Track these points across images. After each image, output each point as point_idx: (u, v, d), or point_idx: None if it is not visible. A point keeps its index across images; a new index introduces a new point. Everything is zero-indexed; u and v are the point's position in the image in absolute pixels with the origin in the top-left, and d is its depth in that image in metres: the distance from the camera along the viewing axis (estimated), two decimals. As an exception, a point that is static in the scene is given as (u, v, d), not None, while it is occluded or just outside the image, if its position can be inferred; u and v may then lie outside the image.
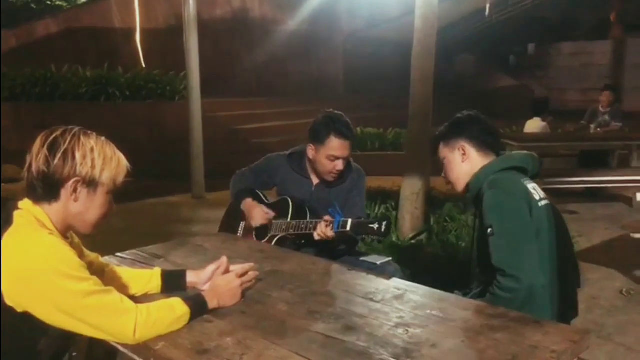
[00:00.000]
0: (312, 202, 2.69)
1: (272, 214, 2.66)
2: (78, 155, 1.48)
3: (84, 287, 1.41)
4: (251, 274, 1.81)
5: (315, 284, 1.92)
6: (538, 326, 1.55)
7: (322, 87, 12.72)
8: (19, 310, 1.38)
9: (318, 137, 2.59)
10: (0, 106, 7.72)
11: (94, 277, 1.45)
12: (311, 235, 2.46)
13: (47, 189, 1.48)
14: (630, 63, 17.40)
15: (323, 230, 2.35)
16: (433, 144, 2.19)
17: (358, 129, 9.25)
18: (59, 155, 1.46)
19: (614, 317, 3.57)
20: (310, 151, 2.64)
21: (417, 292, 1.83)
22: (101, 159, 1.52)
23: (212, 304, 1.65)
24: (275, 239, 2.61)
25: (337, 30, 13.05)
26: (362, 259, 2.58)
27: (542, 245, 1.85)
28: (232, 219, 2.84)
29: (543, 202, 1.94)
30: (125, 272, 1.80)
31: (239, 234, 2.77)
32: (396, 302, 1.75)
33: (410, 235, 4.66)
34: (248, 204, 2.72)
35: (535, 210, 1.88)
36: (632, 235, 3.82)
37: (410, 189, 4.86)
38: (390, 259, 2.55)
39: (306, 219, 2.57)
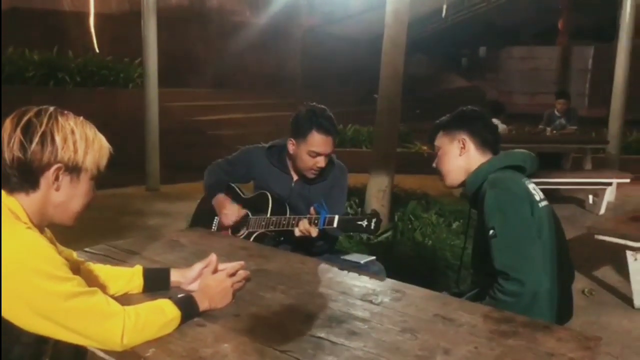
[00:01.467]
0: (292, 198, 2.57)
1: (244, 212, 2.53)
2: (58, 138, 1.32)
3: (66, 288, 1.25)
4: (241, 273, 1.69)
5: (308, 285, 1.81)
6: (549, 331, 1.50)
7: (279, 81, 12.56)
8: None
9: (299, 132, 2.47)
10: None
11: (78, 277, 1.30)
12: (291, 231, 2.35)
13: (24, 178, 1.31)
14: (575, 69, 18.01)
15: (306, 227, 2.24)
16: (432, 131, 2.11)
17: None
18: (35, 139, 1.30)
19: (577, 318, 3.60)
20: (291, 146, 2.52)
21: (415, 294, 1.75)
22: (83, 141, 1.36)
23: (202, 305, 1.52)
24: (254, 235, 2.48)
25: (296, 25, 12.92)
26: (344, 257, 2.49)
27: (543, 247, 1.80)
28: (206, 213, 2.69)
29: (543, 203, 1.89)
30: (103, 270, 1.64)
31: (213, 229, 2.63)
32: (397, 304, 1.66)
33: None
34: (220, 200, 2.58)
35: (536, 210, 1.83)
36: (596, 236, 3.86)
37: (377, 186, 4.81)
38: (374, 258, 2.46)
39: (285, 215, 2.46)
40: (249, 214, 2.56)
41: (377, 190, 4.79)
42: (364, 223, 2.13)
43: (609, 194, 6.56)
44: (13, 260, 1.20)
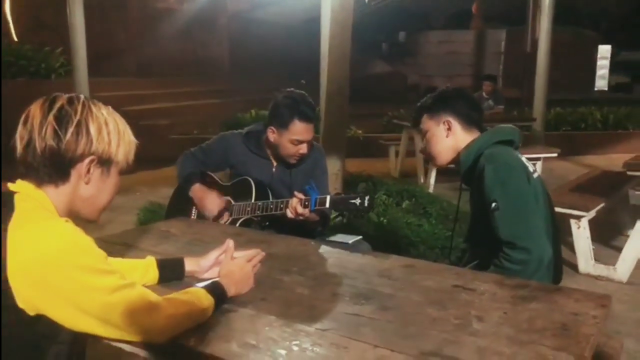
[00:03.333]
0: (273, 184, 2.55)
1: (225, 200, 2.49)
2: (92, 128, 1.25)
3: (110, 282, 1.19)
4: (258, 258, 1.66)
5: (319, 266, 1.81)
6: (563, 294, 1.58)
7: (206, 68, 12.28)
8: (32, 313, 1.14)
9: (280, 120, 2.43)
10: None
11: (119, 270, 1.24)
12: (277, 216, 2.34)
13: (55, 169, 1.23)
14: (489, 51, 18.82)
15: (299, 209, 2.23)
16: (416, 114, 2.15)
17: (252, 111, 9.07)
18: (71, 128, 1.22)
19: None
20: (272, 134, 2.48)
21: (427, 267, 1.80)
22: (116, 133, 1.29)
23: (230, 292, 1.49)
24: (239, 221, 2.44)
25: (220, 10, 12.65)
26: (330, 239, 2.49)
27: (541, 215, 1.90)
28: (182, 203, 2.61)
29: (536, 174, 1.98)
30: (119, 263, 1.57)
31: (192, 219, 2.56)
32: (414, 278, 1.69)
33: (333, 215, 4.64)
34: (198, 191, 2.51)
35: (532, 181, 1.92)
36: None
37: (330, 169, 4.83)
38: (361, 237, 2.48)
39: (268, 200, 2.43)
40: (232, 200, 2.52)
41: (331, 173, 4.81)
42: (357, 201, 2.14)
43: (539, 168, 6.94)
44: (55, 255, 1.12)
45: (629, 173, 3.88)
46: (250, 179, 2.49)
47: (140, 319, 1.23)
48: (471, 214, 2.08)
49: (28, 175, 1.23)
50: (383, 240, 4.03)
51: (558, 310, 1.47)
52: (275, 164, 2.59)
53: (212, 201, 2.47)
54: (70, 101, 1.25)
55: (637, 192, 4.49)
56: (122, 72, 10.43)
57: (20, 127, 1.24)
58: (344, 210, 2.24)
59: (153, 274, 1.59)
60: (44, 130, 1.21)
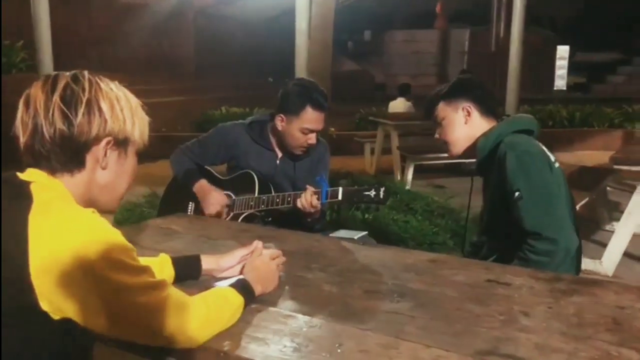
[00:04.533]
0: (276, 176, 2.43)
1: (229, 200, 2.37)
2: (105, 107, 1.12)
3: (141, 281, 1.06)
4: (281, 256, 1.55)
5: (340, 261, 1.71)
6: (601, 286, 1.53)
7: (172, 65, 11.99)
8: (57, 316, 1.00)
9: (291, 108, 2.32)
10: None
11: (149, 266, 1.11)
12: (279, 211, 2.23)
13: (68, 155, 1.10)
14: (453, 51, 19.01)
15: (308, 200, 2.12)
16: (430, 102, 2.07)
17: (223, 108, 8.89)
18: (81, 109, 1.09)
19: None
20: (280, 122, 2.37)
21: (454, 262, 1.72)
22: (129, 109, 1.17)
23: (257, 290, 1.37)
24: (241, 216, 2.32)
25: (187, 6, 12.37)
26: (333, 235, 2.40)
27: (565, 205, 1.84)
28: (178, 198, 2.47)
29: (557, 164, 1.93)
30: None
31: (190, 215, 2.43)
32: (443, 273, 1.61)
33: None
34: (203, 187, 2.38)
35: (554, 170, 1.86)
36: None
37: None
38: (366, 232, 2.40)
39: (271, 194, 2.32)
40: (233, 195, 2.39)
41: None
42: (372, 193, 2.06)
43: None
44: (83, 250, 0.99)
45: (616, 167, 3.90)
46: (253, 172, 2.38)
47: (173, 321, 1.10)
48: (488, 205, 2.01)
49: (38, 164, 1.10)
50: (372, 237, 3.96)
51: (602, 304, 1.41)
52: (280, 155, 2.47)
53: (216, 199, 2.35)
54: (75, 78, 1.12)
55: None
56: (86, 67, 9.96)
57: (21, 114, 1.10)
58: (358, 203, 2.16)
59: (168, 272, 1.46)
60: (50, 113, 1.07)
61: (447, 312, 1.35)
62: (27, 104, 1.09)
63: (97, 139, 1.11)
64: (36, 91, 1.09)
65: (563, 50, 20.90)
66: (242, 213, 2.33)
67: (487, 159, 1.95)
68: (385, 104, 9.17)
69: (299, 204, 2.16)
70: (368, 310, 1.36)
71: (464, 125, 2.01)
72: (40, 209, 1.01)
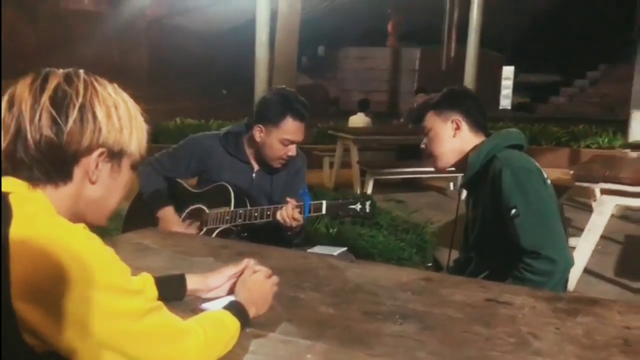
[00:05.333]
0: (252, 189, 2.32)
1: (179, 221, 2.26)
2: (100, 113, 0.99)
3: (137, 306, 0.94)
4: (275, 278, 1.44)
5: (332, 280, 1.61)
6: (604, 305, 1.49)
7: (123, 75, 11.59)
8: (41, 349, 0.86)
9: (270, 118, 2.22)
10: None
11: (143, 288, 0.98)
12: (256, 225, 2.13)
13: (54, 166, 0.96)
14: (406, 69, 19.32)
15: (290, 213, 2.03)
16: (419, 110, 2.02)
17: (177, 119, 8.66)
18: (73, 114, 0.96)
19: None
20: (258, 133, 2.26)
21: (448, 281, 1.65)
22: (127, 117, 1.04)
23: (251, 312, 1.26)
24: (216, 232, 2.19)
25: (139, 15, 12.08)
26: (311, 250, 2.30)
27: (561, 223, 1.81)
28: (146, 213, 2.31)
29: (549, 180, 1.90)
30: None
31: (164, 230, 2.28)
32: (441, 292, 1.54)
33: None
34: (167, 217, 2.26)
35: (548, 187, 1.83)
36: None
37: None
38: (346, 249, 2.31)
39: (247, 207, 2.21)
40: (206, 208, 2.26)
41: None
42: (358, 207, 1.98)
43: (468, 182, 7.08)
44: (73, 271, 0.86)
45: (577, 184, 3.96)
46: (228, 185, 2.25)
47: (170, 350, 0.98)
48: (478, 222, 1.95)
49: (18, 173, 0.95)
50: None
51: (609, 324, 1.36)
52: (255, 168, 2.36)
53: (167, 216, 2.25)
54: (68, 78, 0.98)
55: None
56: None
57: (3, 114, 0.96)
58: (344, 217, 2.07)
59: (152, 292, 1.32)
60: (37, 117, 0.94)
61: (455, 335, 1.28)
62: (10, 104, 0.95)
63: (89, 150, 0.98)
64: (22, 90, 0.96)
65: (508, 71, 21.58)
66: (217, 228, 2.20)
67: (478, 174, 1.91)
68: (339, 118, 9.18)
69: (279, 218, 2.06)
70: (372, 333, 1.27)
71: (452, 139, 1.96)
72: (22, 223, 0.88)
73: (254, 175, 2.35)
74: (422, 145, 2.03)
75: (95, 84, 1.01)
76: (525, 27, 21.69)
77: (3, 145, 0.94)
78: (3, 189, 0.92)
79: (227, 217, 2.18)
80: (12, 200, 0.90)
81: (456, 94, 1.99)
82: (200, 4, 12.12)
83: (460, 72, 13.52)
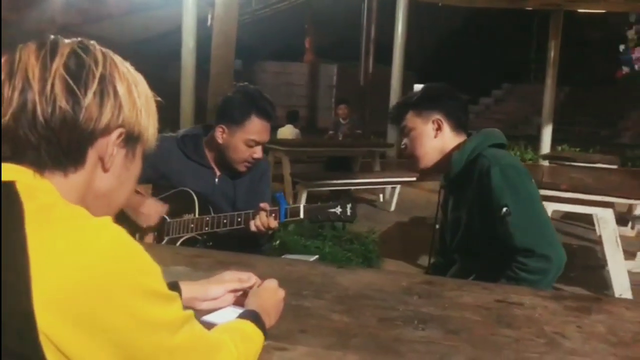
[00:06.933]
0: (214, 196, 2.15)
1: (165, 207, 2.04)
2: (121, 88, 0.82)
3: (175, 314, 0.78)
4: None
5: (331, 287, 1.49)
6: (608, 303, 1.48)
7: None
8: None
9: (234, 117, 2.06)
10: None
11: (176, 293, 0.82)
12: (220, 234, 1.97)
13: (68, 147, 0.78)
14: (323, 85, 19.52)
15: (265, 220, 1.89)
16: (399, 109, 1.95)
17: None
18: (93, 86, 0.78)
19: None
20: (221, 134, 2.08)
21: (449, 283, 1.58)
22: (145, 98, 0.87)
23: (266, 324, 1.12)
24: (180, 241, 2.00)
25: (48, 22, 11.37)
26: (285, 256, 2.16)
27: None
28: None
29: (532, 179, 1.88)
30: None
31: None
32: (450, 295, 1.46)
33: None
34: (133, 198, 2.01)
35: (534, 185, 1.81)
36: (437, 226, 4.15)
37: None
38: (317, 256, 2.19)
39: (211, 214, 2.04)
40: (166, 217, 2.07)
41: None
42: (338, 210, 1.87)
43: (396, 193, 7.16)
44: (107, 274, 0.69)
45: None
46: (191, 191, 2.07)
47: None
48: (463, 222, 1.89)
49: (20, 158, 0.76)
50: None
51: (625, 321, 1.34)
52: (218, 173, 2.19)
53: (151, 208, 2.01)
54: (83, 46, 0.81)
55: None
56: None
57: (2, 84, 0.78)
58: (324, 221, 1.95)
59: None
60: (48, 87, 0.76)
61: (484, 338, 1.20)
62: (10, 73, 0.77)
63: (107, 130, 0.81)
64: (27, 56, 0.77)
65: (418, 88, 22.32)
66: (180, 237, 2.02)
67: (461, 174, 1.86)
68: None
69: (252, 226, 1.91)
70: (397, 340, 1.17)
71: (434, 139, 1.90)
72: (37, 219, 0.70)
73: (216, 180, 2.18)
74: (402, 146, 1.96)
75: (113, 55, 0.85)
76: (433, 47, 22.57)
77: (3, 122, 0.76)
78: (3, 178, 0.74)
79: (192, 225, 2.00)
80: (22, 190, 0.72)
81: (438, 93, 1.94)
82: (115, 12, 11.63)
83: (377, 88, 13.80)
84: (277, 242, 4.21)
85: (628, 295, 3.81)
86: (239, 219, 1.94)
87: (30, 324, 0.64)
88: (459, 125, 1.92)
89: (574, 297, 1.51)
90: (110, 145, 0.82)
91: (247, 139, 2.05)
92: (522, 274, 1.67)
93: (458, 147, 1.88)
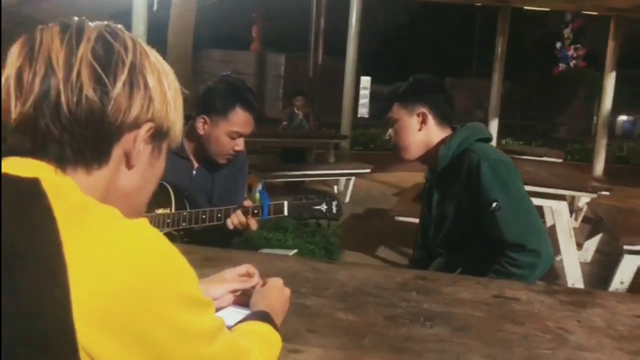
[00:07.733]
0: (191, 189, 2.06)
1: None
2: (151, 79, 0.74)
3: (211, 322, 0.72)
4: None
5: (326, 283, 1.45)
6: (600, 297, 1.50)
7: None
8: None
9: (217, 108, 1.97)
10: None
11: (211, 299, 0.76)
12: (195, 231, 1.90)
13: (93, 141, 0.70)
14: (270, 75, 19.36)
15: (242, 221, 1.83)
16: (385, 101, 1.92)
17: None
18: (123, 75, 0.71)
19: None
20: (202, 125, 1.99)
21: (443, 279, 1.56)
22: (174, 91, 0.79)
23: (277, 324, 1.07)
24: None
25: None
26: (262, 251, 2.10)
27: (537, 216, 1.80)
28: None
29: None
30: None
31: None
32: (447, 290, 1.44)
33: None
34: None
35: (522, 181, 1.82)
36: (396, 218, 4.18)
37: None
38: (296, 250, 2.14)
39: (185, 210, 1.96)
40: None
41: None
42: (323, 207, 1.83)
43: (351, 184, 7.19)
44: (149, 280, 0.63)
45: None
46: (167, 185, 1.97)
47: None
48: (450, 217, 1.88)
49: (40, 152, 0.68)
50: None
51: (621, 314, 1.37)
52: (196, 165, 2.10)
53: None
54: (111, 31, 0.73)
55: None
56: None
57: (15, 70, 0.69)
58: (308, 218, 1.89)
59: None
60: (74, 73, 0.68)
61: (492, 336, 1.19)
62: (30, 57, 0.68)
63: (136, 124, 0.73)
64: (49, 38, 0.68)
65: (365, 81, 22.54)
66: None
67: (447, 169, 1.85)
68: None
69: (229, 223, 1.85)
70: (408, 338, 1.14)
71: (418, 132, 1.89)
72: (69, 220, 0.62)
73: (194, 172, 2.09)
74: (387, 137, 1.94)
75: (142, 42, 0.77)
76: (379, 39, 22.74)
77: (15, 111, 0.68)
78: (21, 174, 0.65)
79: (169, 221, 1.91)
80: (48, 188, 0.64)
81: (423, 85, 1.92)
82: (55, -6, 11.09)
83: (327, 79, 13.77)
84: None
85: (580, 284, 3.95)
86: (219, 215, 1.87)
87: (70, 340, 0.57)
88: (444, 119, 1.90)
89: (566, 291, 1.54)
90: (138, 140, 0.74)
91: (231, 130, 1.98)
92: (511, 269, 1.68)
93: (444, 141, 1.87)
